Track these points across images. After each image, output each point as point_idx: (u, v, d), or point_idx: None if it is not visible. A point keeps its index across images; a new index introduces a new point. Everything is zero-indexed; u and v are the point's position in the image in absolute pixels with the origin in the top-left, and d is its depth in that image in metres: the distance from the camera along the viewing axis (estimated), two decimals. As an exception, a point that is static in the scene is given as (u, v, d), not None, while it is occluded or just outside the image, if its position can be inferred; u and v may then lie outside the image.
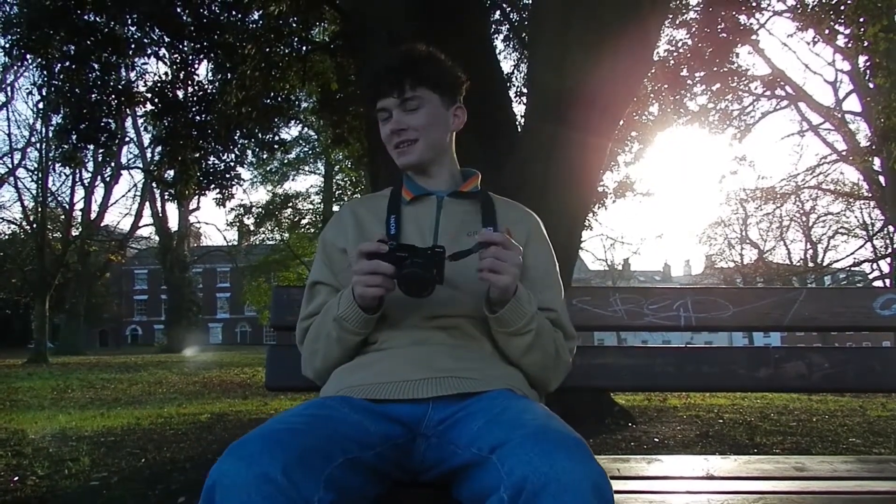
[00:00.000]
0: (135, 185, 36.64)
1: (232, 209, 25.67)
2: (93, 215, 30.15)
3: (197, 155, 8.07)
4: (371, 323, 1.32)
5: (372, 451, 1.13)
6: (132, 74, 8.13)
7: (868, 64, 8.82)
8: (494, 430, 1.08)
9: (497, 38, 10.54)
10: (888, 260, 24.58)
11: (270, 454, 0.97)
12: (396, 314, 1.35)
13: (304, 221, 27.82)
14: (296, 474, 0.96)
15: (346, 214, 1.49)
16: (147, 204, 33.17)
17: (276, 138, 9.23)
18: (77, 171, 25.68)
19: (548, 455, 0.96)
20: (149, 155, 26.16)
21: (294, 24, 8.06)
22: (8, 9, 8.73)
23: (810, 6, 8.37)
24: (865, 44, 7.69)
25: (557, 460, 0.95)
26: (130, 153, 30.51)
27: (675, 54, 9.31)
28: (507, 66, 10.72)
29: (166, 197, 30.67)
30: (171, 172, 8.71)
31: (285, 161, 27.40)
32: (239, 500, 0.94)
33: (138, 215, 33.33)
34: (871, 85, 13.67)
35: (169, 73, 7.74)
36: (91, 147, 8.16)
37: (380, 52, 4.82)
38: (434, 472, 1.22)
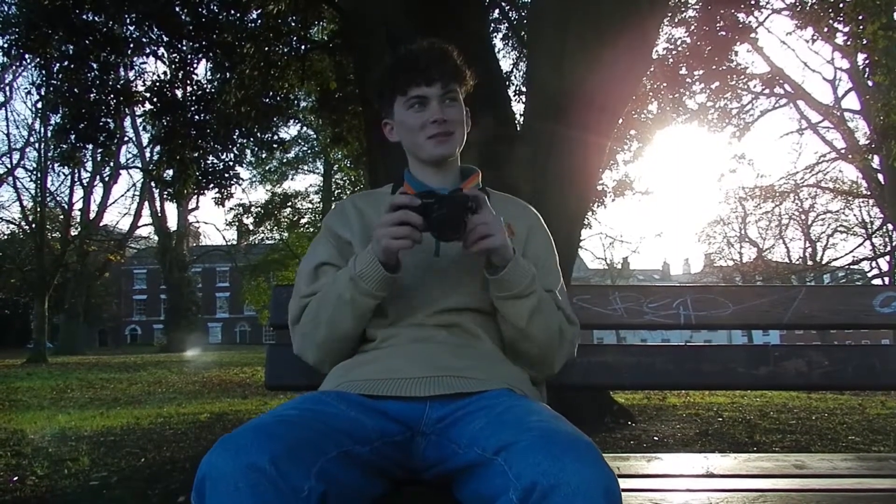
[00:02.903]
0: (134, 184, 36.62)
1: (231, 208, 25.63)
2: (92, 215, 30.14)
3: (196, 154, 8.07)
4: (389, 285, 1.29)
5: (368, 446, 1.13)
6: (131, 74, 8.12)
7: (867, 62, 8.84)
8: (499, 430, 1.07)
9: (496, 36, 10.55)
10: (887, 258, 24.61)
11: (259, 445, 0.98)
12: (397, 311, 1.35)
13: (303, 221, 27.80)
14: (285, 465, 0.97)
15: (348, 207, 1.49)
16: (146, 203, 33.16)
17: (275, 137, 9.24)
18: (76, 170, 25.64)
19: (557, 458, 0.95)
20: (148, 154, 26.23)
21: (293, 23, 8.06)
22: (6, 8, 8.72)
23: (809, 4, 8.38)
24: (864, 41, 7.69)
25: (567, 464, 0.95)
26: (129, 153, 30.52)
27: (674, 52, 9.32)
28: (505, 64, 10.74)
29: (165, 196, 30.60)
30: (170, 172, 8.71)
31: (284, 160, 27.40)
32: (227, 489, 0.95)
33: (137, 215, 33.33)
34: (869, 83, 13.67)
35: (168, 72, 7.74)
36: (90, 147, 8.15)
37: (379, 50, 4.82)
38: (435, 470, 1.22)
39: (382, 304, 1.34)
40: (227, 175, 8.44)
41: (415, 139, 1.42)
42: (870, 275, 25.96)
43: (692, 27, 9.08)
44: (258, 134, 8.54)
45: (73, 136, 7.33)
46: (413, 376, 1.25)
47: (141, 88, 7.92)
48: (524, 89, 8.71)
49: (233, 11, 7.49)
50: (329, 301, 1.33)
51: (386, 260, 1.26)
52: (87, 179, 29.57)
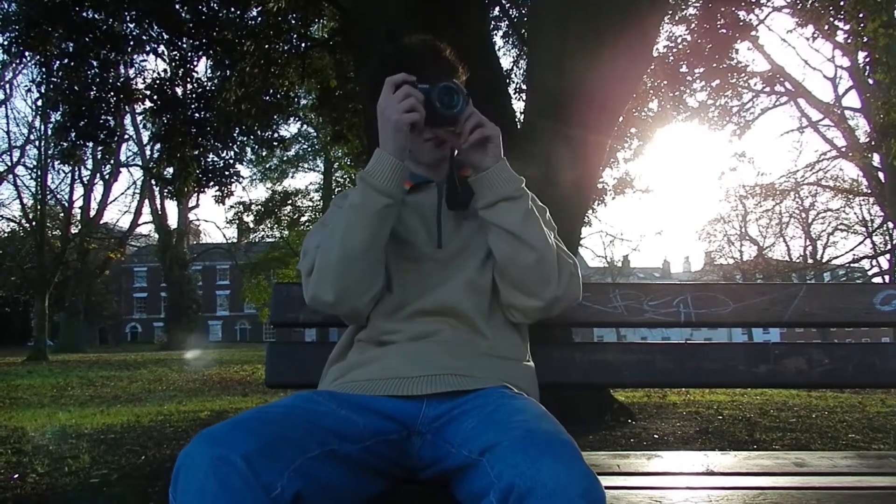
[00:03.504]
0: (134, 182, 36.65)
1: (231, 206, 25.70)
2: (92, 213, 30.18)
3: (196, 152, 8.09)
4: (399, 177, 1.26)
5: (359, 445, 1.13)
6: (131, 71, 8.14)
7: (867, 60, 8.83)
8: (486, 431, 1.07)
9: (496, 34, 10.54)
10: (887, 256, 24.61)
11: (234, 439, 0.98)
12: (403, 293, 1.34)
13: (303, 219, 27.84)
14: (258, 461, 0.97)
15: None
16: (146, 201, 33.20)
17: (276, 135, 9.28)
18: (76, 168, 25.72)
19: (534, 460, 0.95)
20: (148, 152, 26.21)
21: (293, 21, 8.06)
22: (6, 6, 8.72)
23: (809, 2, 8.36)
24: (865, 39, 7.69)
25: (544, 465, 0.94)
26: (129, 150, 30.56)
27: (674, 50, 9.32)
28: (506, 62, 10.72)
29: (165, 194, 30.67)
30: (171, 170, 8.73)
31: (284, 158, 27.45)
32: (196, 478, 0.95)
33: (137, 213, 33.37)
34: (870, 81, 13.67)
35: (168, 70, 7.75)
36: (90, 144, 8.18)
37: (379, 48, 4.81)
38: (432, 470, 1.22)
39: (388, 279, 1.33)
40: (227, 173, 8.46)
41: (412, 142, 1.41)
42: (870, 273, 25.98)
43: (693, 25, 9.08)
44: (258, 132, 8.56)
45: (73, 134, 7.35)
46: (409, 376, 1.25)
47: (141, 86, 7.95)
48: (524, 87, 8.71)
49: (233, 9, 7.50)
50: (341, 218, 1.29)
51: (395, 141, 1.26)
52: (88, 177, 29.65)
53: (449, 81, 1.30)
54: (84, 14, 6.95)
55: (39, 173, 26.43)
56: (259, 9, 7.71)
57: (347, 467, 1.10)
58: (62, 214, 29.08)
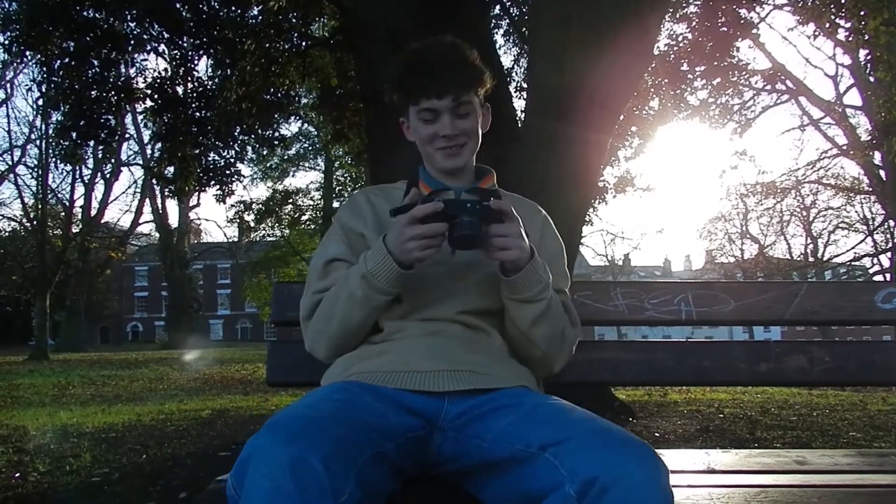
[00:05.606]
0: (135, 181, 36.62)
1: (232, 205, 25.54)
2: (93, 212, 30.20)
3: (197, 151, 8.09)
4: (404, 280, 1.26)
5: (393, 443, 1.11)
6: (132, 71, 8.14)
7: (869, 58, 8.84)
8: (536, 427, 1.08)
9: (497, 32, 10.53)
10: (889, 254, 24.60)
11: (310, 438, 0.95)
12: (412, 303, 1.33)
13: (304, 218, 27.79)
14: (334, 465, 0.94)
15: (361, 200, 1.46)
16: (147, 200, 33.17)
17: (276, 134, 9.26)
18: (77, 167, 25.73)
19: (616, 454, 0.99)
20: (149, 151, 26.25)
21: (294, 20, 8.06)
22: (7, 5, 8.73)
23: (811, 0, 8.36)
24: (866, 37, 7.68)
25: (627, 460, 0.98)
26: (130, 150, 30.64)
27: (675, 48, 9.31)
28: (506, 60, 10.70)
29: (166, 193, 30.65)
30: (172, 169, 8.74)
31: (285, 157, 27.41)
32: (271, 475, 0.92)
33: (138, 212, 33.36)
34: (871, 79, 13.63)
35: (168, 69, 7.75)
36: (91, 144, 8.16)
37: (380, 48, 4.80)
38: (451, 466, 1.21)
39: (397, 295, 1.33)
40: (228, 172, 8.46)
41: (426, 149, 1.41)
42: (871, 271, 25.95)
43: (693, 23, 9.06)
44: (259, 131, 8.56)
45: (74, 134, 7.36)
46: (428, 370, 1.23)
47: (142, 85, 7.95)
48: (525, 86, 8.70)
49: (233, 8, 7.50)
50: (341, 298, 1.30)
51: (406, 263, 1.23)
52: (89, 176, 29.65)
53: (477, 204, 1.22)
54: (85, 13, 6.95)
55: (40, 172, 26.47)
56: (259, 8, 7.71)
57: (386, 467, 1.07)
58: (63, 214, 29.09)
